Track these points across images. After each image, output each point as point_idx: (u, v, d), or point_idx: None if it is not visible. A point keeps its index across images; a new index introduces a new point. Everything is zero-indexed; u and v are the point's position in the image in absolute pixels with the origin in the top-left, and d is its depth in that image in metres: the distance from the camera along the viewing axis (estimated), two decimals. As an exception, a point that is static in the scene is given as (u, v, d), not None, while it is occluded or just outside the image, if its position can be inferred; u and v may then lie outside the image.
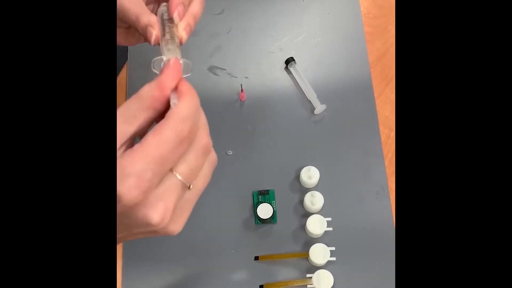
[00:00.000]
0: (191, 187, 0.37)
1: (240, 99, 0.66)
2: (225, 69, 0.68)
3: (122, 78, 0.68)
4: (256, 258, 0.59)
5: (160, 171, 0.34)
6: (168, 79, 0.36)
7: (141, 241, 0.60)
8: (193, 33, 0.70)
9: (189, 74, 0.40)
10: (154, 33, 0.43)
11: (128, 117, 0.35)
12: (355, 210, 0.61)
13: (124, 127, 0.35)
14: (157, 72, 0.40)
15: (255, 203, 0.61)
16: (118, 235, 0.37)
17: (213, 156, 0.39)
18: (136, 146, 0.34)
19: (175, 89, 0.37)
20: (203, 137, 0.37)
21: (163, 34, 0.42)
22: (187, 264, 0.60)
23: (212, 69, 0.68)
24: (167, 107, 0.37)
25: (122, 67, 0.69)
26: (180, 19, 0.44)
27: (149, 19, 0.43)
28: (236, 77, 0.68)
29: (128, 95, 0.67)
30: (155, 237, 0.38)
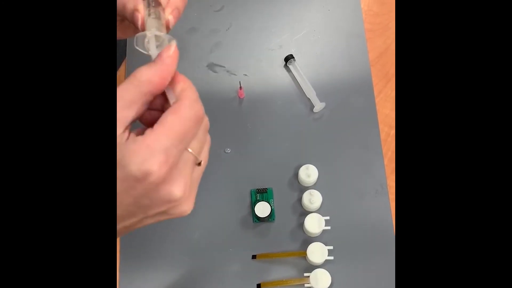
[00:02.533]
0: (201, 163, 0.39)
1: (239, 97, 0.66)
2: (224, 66, 0.68)
3: (121, 75, 0.68)
4: (254, 256, 0.59)
5: (182, 148, 0.36)
6: (169, 67, 0.37)
7: (139, 239, 0.60)
8: (193, 29, 0.70)
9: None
10: (140, 16, 0.43)
11: (128, 101, 0.36)
12: (354, 209, 0.61)
13: (125, 112, 0.36)
14: (141, 50, 0.40)
15: (253, 201, 0.61)
16: (131, 220, 0.38)
17: (208, 137, 0.41)
18: (157, 126, 0.35)
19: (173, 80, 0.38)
20: (206, 117, 0.39)
21: (148, 14, 0.41)
22: (185, 262, 0.59)
23: (211, 66, 0.68)
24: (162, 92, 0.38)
25: (121, 63, 0.69)
26: None
27: (135, 4, 0.43)
28: (235, 74, 0.67)
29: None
30: (167, 219, 0.39)
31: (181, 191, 0.36)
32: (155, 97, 0.38)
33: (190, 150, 0.37)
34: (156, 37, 0.40)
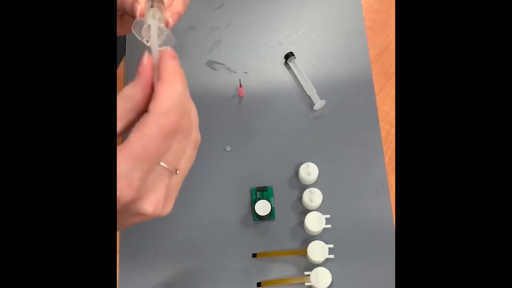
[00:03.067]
0: (177, 172, 0.37)
1: (239, 95, 0.66)
2: (224, 64, 0.67)
3: (120, 73, 0.68)
4: (254, 255, 0.59)
5: (148, 168, 0.34)
6: (146, 78, 0.36)
7: (138, 238, 0.60)
8: (192, 27, 0.69)
9: (172, 45, 0.38)
10: (140, 6, 0.42)
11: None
12: (354, 207, 0.61)
13: None
14: (137, 36, 0.39)
15: (253, 200, 0.61)
16: None
17: (194, 136, 0.38)
18: (121, 146, 0.33)
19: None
20: (185, 121, 0.36)
21: (151, 6, 0.40)
22: (185, 260, 0.59)
23: (210, 63, 0.68)
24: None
25: (120, 60, 0.68)
26: None
27: None
28: (235, 72, 0.67)
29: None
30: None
31: (152, 208, 0.36)
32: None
33: (162, 164, 0.35)
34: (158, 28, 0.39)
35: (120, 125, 0.36)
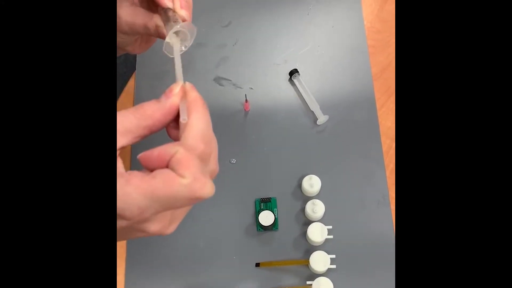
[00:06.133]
0: None
1: (245, 109, 0.68)
2: (231, 80, 0.70)
3: (130, 87, 0.70)
4: (257, 264, 0.60)
5: (161, 209, 0.35)
6: (172, 104, 0.37)
7: (144, 247, 0.61)
8: (201, 44, 0.72)
9: (194, 33, 0.42)
10: (165, 31, 0.45)
11: (124, 128, 0.36)
12: (356, 219, 0.62)
13: (119, 138, 0.36)
14: (168, 54, 0.41)
15: (257, 210, 0.62)
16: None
17: (212, 167, 0.39)
18: (145, 183, 0.34)
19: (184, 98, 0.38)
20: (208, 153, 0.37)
21: (167, 20, 0.43)
22: (189, 269, 0.60)
23: (218, 79, 0.70)
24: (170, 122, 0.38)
25: (130, 76, 0.71)
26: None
27: (156, 22, 0.45)
28: (241, 88, 0.69)
29: (135, 104, 0.69)
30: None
31: (157, 229, 0.36)
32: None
33: None
34: (180, 33, 0.42)
35: (130, 137, 0.36)
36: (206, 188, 0.35)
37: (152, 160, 0.35)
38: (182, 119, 0.37)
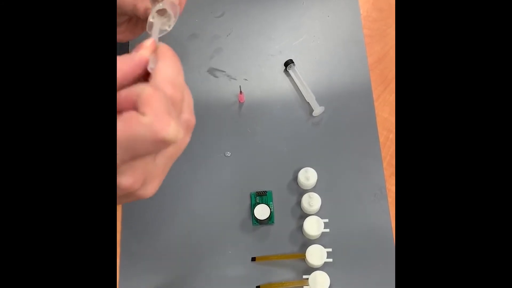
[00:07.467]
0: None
1: (239, 101, 0.67)
2: (225, 71, 0.69)
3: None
4: (253, 259, 0.59)
5: (128, 156, 0.34)
6: (141, 56, 0.36)
7: (138, 241, 0.61)
8: (194, 35, 0.71)
9: (176, 18, 0.42)
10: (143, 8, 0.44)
11: None
12: (353, 212, 0.61)
13: None
14: (151, 35, 0.42)
15: (252, 204, 0.61)
16: None
17: (186, 116, 0.37)
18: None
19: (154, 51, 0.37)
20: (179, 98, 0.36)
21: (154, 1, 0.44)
22: (184, 264, 0.60)
23: (212, 71, 0.69)
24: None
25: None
26: None
27: (146, 4, 0.45)
28: (235, 79, 0.68)
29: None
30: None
31: (128, 183, 0.34)
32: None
33: None
34: (165, 14, 0.42)
35: None
36: (170, 129, 0.33)
37: (120, 102, 0.34)
38: (149, 68, 0.36)
